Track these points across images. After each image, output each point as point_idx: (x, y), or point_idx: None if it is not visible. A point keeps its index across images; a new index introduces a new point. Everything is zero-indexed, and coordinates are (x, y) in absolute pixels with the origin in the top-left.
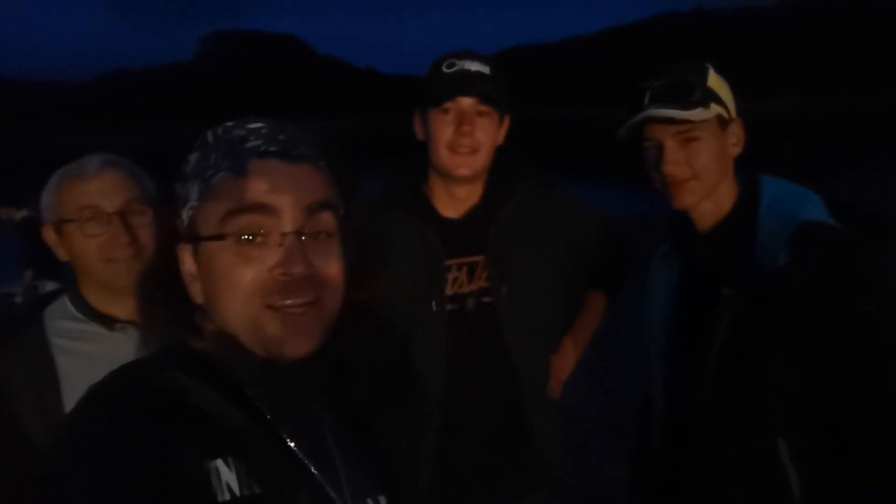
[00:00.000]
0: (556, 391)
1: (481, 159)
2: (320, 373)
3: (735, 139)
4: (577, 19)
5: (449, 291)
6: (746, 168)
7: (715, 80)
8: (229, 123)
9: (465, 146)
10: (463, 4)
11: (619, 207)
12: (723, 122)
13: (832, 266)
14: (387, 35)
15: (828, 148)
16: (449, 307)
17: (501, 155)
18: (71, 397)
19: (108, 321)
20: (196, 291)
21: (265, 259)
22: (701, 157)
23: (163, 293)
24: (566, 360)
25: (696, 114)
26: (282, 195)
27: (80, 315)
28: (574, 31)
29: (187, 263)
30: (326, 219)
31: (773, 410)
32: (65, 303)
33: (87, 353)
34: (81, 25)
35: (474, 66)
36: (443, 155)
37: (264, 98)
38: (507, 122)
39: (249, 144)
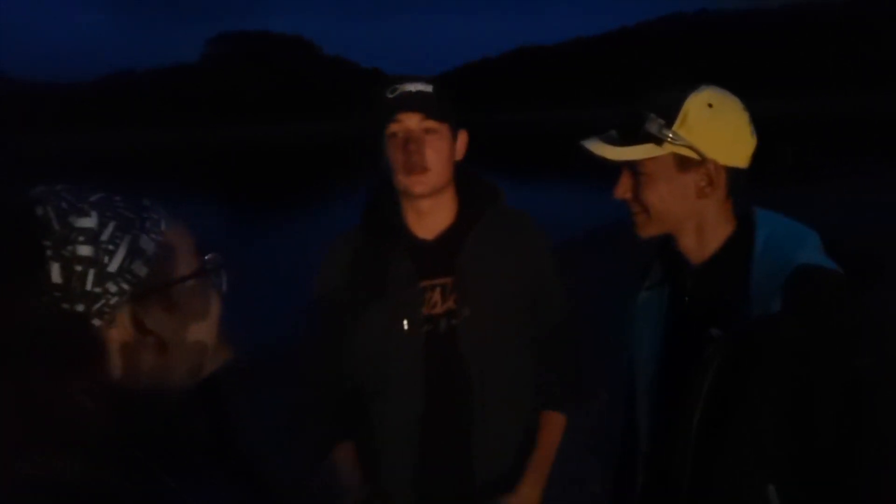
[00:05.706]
0: None
1: (434, 176)
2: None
3: (706, 181)
4: (584, 21)
5: (425, 312)
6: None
7: (696, 115)
8: (72, 189)
9: (414, 165)
10: (469, 5)
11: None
12: (684, 163)
13: (825, 316)
14: (393, 36)
15: (829, 151)
16: (425, 328)
17: (471, 175)
18: None
19: None
20: (131, 360)
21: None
22: (648, 194)
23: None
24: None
25: (632, 151)
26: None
27: None
28: (579, 32)
29: (125, 331)
30: None
31: (764, 456)
32: None
33: None
34: (85, 25)
35: (416, 87)
36: (399, 176)
37: (270, 99)
38: (463, 137)
39: (146, 201)
